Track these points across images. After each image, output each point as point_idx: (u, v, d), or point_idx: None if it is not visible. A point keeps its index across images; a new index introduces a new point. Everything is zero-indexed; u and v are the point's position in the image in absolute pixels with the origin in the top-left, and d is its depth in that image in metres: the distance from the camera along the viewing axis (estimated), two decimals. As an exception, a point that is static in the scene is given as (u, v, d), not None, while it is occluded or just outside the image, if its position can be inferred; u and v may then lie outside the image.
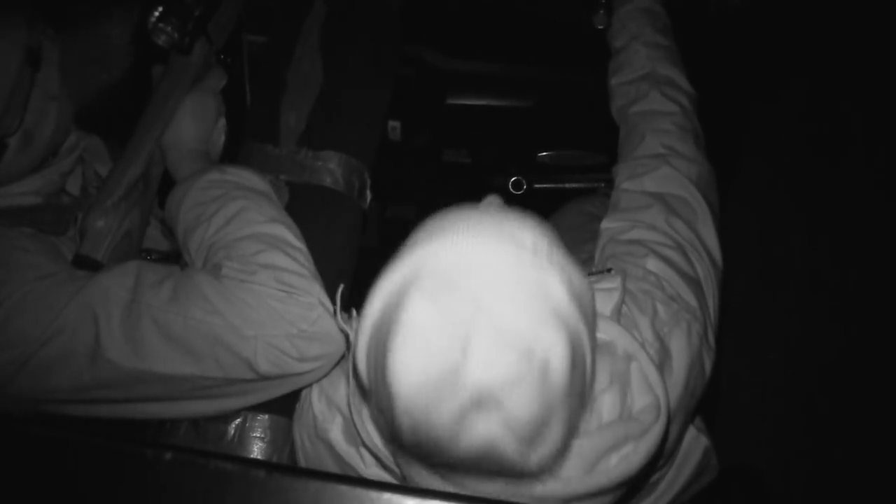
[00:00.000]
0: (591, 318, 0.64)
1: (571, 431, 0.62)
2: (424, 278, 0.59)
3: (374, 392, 0.63)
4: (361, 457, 0.85)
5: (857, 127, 2.28)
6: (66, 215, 0.98)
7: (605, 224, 1.03)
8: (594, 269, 0.95)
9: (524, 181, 1.58)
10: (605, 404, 0.72)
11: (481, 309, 0.56)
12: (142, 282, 0.84)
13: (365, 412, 0.79)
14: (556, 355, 0.57)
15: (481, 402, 0.56)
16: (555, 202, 1.52)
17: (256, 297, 0.83)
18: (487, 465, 0.58)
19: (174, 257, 1.07)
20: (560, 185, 1.61)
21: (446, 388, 0.56)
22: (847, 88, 2.25)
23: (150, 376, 0.82)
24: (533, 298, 0.59)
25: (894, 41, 2.21)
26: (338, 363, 0.89)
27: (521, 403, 0.56)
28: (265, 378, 0.84)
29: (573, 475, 0.67)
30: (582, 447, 0.68)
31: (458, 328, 0.56)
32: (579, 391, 0.61)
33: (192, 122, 1.04)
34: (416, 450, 0.62)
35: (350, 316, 0.86)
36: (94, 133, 1.07)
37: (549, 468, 0.61)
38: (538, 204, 1.06)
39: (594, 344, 0.64)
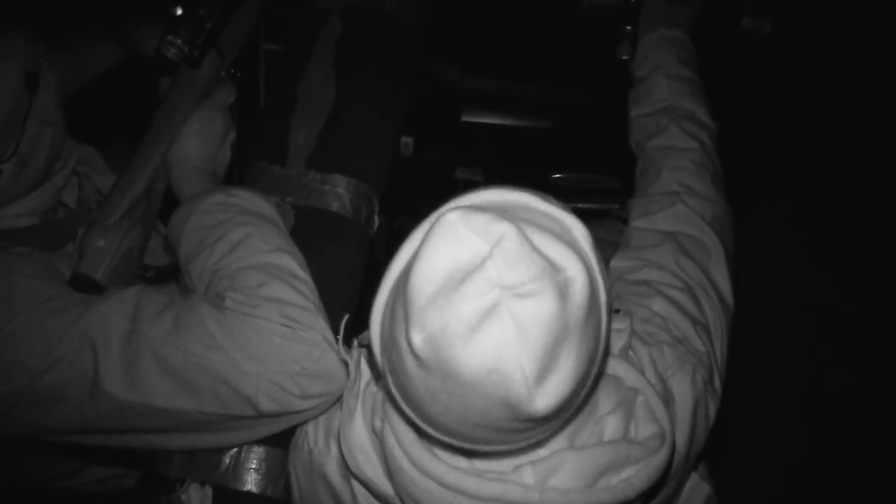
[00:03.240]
0: (609, 288, 0.64)
1: (580, 381, 0.60)
2: (458, 204, 0.61)
3: (390, 331, 0.62)
4: (352, 490, 0.84)
5: (884, 164, 2.24)
6: (64, 230, 0.96)
7: (615, 263, 1.01)
8: None
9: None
10: (609, 425, 0.72)
11: (514, 225, 0.56)
12: (141, 312, 0.82)
13: (359, 410, 0.78)
14: (578, 281, 0.57)
15: (499, 304, 0.55)
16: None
17: (259, 333, 0.81)
18: (492, 390, 0.56)
19: (173, 272, 1.06)
20: (573, 205, 1.59)
21: (468, 284, 0.55)
22: (873, 129, 2.21)
23: (149, 409, 0.80)
24: (561, 235, 0.60)
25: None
26: (337, 400, 0.87)
27: (538, 314, 0.55)
28: (265, 416, 0.83)
29: (572, 486, 0.67)
30: (583, 457, 0.68)
31: (490, 229, 0.56)
32: (594, 332, 0.60)
33: (199, 139, 1.02)
34: (422, 378, 0.60)
35: (351, 347, 0.85)
36: (88, 143, 1.05)
37: (550, 416, 0.59)
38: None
39: (609, 311, 0.64)
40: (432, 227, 0.58)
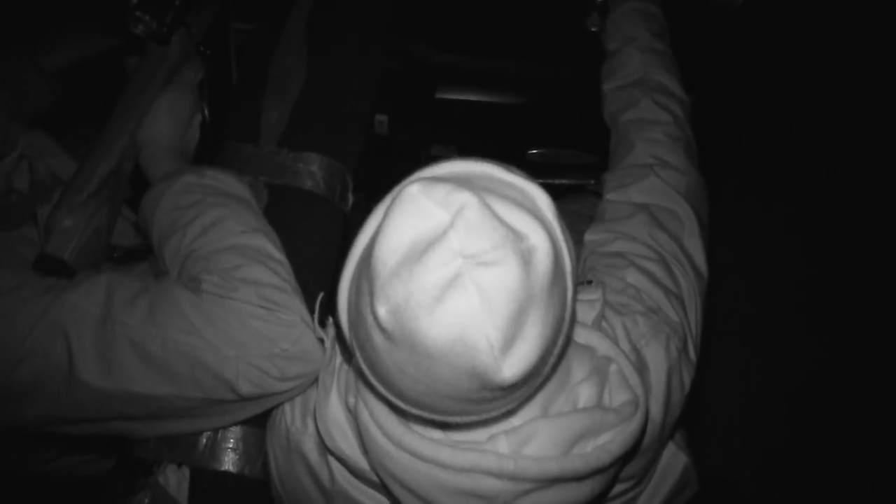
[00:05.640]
0: (573, 256, 0.64)
1: (547, 349, 0.60)
2: (419, 176, 0.61)
3: (356, 306, 0.62)
4: (329, 467, 0.84)
5: (855, 134, 2.25)
6: (19, 212, 0.95)
7: (588, 236, 1.01)
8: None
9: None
10: (583, 393, 0.73)
11: (476, 194, 0.56)
12: (114, 298, 0.80)
13: (335, 387, 0.79)
14: (541, 249, 0.57)
15: (462, 273, 0.55)
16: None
17: (237, 316, 0.80)
18: (458, 360, 0.56)
19: (142, 252, 1.05)
20: (549, 180, 1.59)
21: (430, 254, 0.55)
22: (845, 98, 2.22)
23: (128, 397, 0.79)
24: (524, 203, 0.60)
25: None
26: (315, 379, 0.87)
27: (502, 282, 0.55)
28: (245, 399, 0.82)
29: (547, 454, 0.67)
30: (557, 425, 0.68)
31: (452, 199, 0.56)
32: (559, 299, 0.60)
33: (168, 118, 1.00)
34: (389, 351, 0.60)
35: (326, 325, 0.85)
36: (36, 127, 1.03)
37: (518, 384, 0.59)
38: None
39: (574, 280, 0.64)
40: (394, 200, 0.58)
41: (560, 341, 0.64)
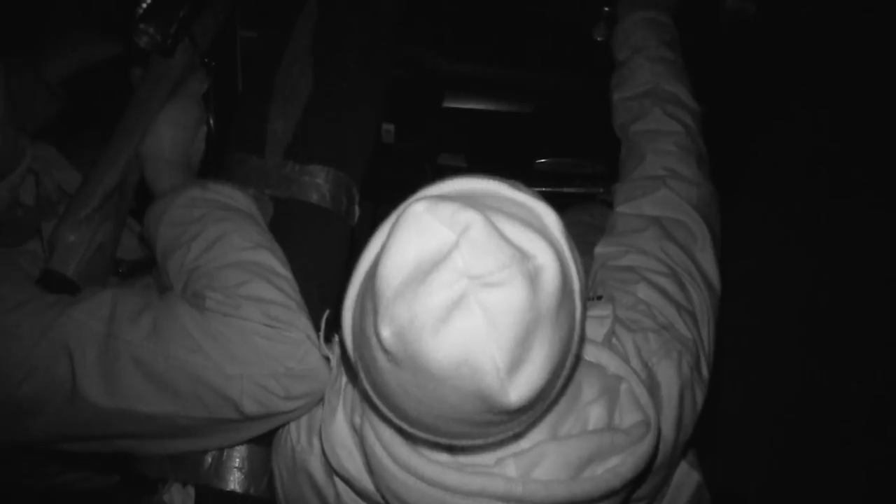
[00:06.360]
0: (582, 274, 0.62)
1: (555, 371, 0.59)
2: (425, 194, 0.60)
3: (360, 326, 0.61)
4: (336, 487, 0.83)
5: (870, 146, 2.23)
6: (24, 227, 0.94)
7: (599, 249, 1.00)
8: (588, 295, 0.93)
9: (521, 184, 1.55)
10: (593, 414, 0.71)
11: (481, 213, 0.55)
12: (118, 315, 0.79)
13: (340, 406, 0.77)
14: (548, 269, 0.55)
15: (467, 294, 0.53)
16: (552, 207, 1.48)
17: (242, 334, 0.79)
18: (464, 382, 0.55)
19: (147, 266, 1.03)
20: (558, 189, 1.57)
21: (435, 275, 0.54)
22: (860, 108, 2.20)
23: (131, 415, 0.78)
24: (531, 222, 0.59)
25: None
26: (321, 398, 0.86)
27: (508, 303, 0.54)
28: (250, 418, 0.81)
29: (555, 478, 0.66)
30: (566, 448, 0.67)
31: (457, 219, 0.55)
32: (567, 320, 0.59)
33: (173, 130, 0.99)
34: (393, 372, 0.59)
35: (332, 342, 0.84)
36: (42, 140, 1.02)
37: (525, 408, 0.58)
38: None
39: (584, 299, 0.63)
40: (399, 218, 0.57)
41: (568, 362, 0.62)
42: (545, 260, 0.56)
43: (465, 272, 0.54)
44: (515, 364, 0.55)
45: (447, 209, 0.56)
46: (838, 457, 1.98)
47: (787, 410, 2.05)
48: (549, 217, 0.61)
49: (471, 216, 0.55)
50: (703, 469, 0.93)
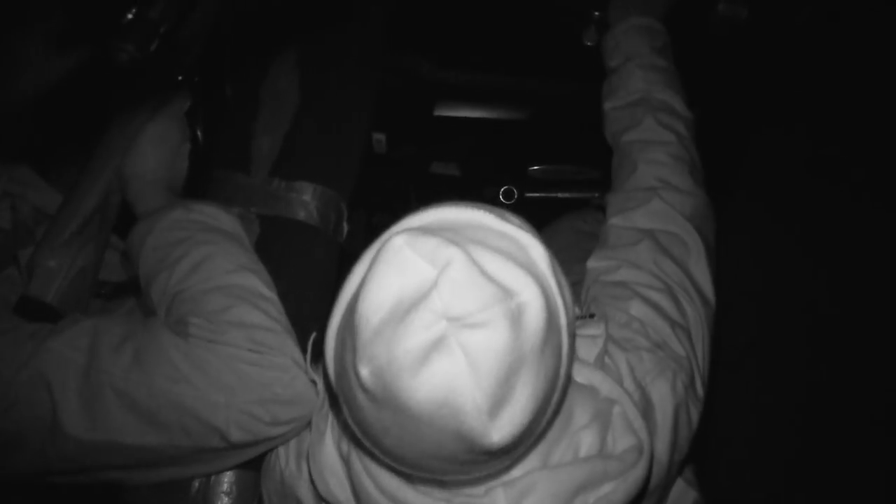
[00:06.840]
0: (570, 307, 0.61)
1: (539, 410, 0.57)
2: (407, 226, 0.59)
3: (341, 360, 0.59)
4: None
5: (865, 149, 2.20)
6: (1, 253, 0.92)
7: (591, 263, 0.98)
8: (579, 314, 0.91)
9: (515, 191, 1.54)
10: (585, 440, 0.70)
11: (463, 249, 0.54)
12: (98, 345, 0.77)
13: (328, 431, 0.76)
14: (532, 306, 0.54)
15: (447, 336, 0.52)
16: (546, 212, 1.48)
17: (227, 361, 0.77)
18: (444, 423, 0.54)
19: (131, 288, 1.02)
20: (552, 195, 1.56)
21: (414, 315, 0.52)
22: (856, 113, 2.17)
23: (115, 447, 0.76)
24: (516, 255, 0.57)
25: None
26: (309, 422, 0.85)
27: (489, 345, 0.52)
28: (236, 446, 0.79)
29: None
30: (557, 476, 0.65)
31: (438, 255, 0.53)
32: (552, 357, 0.57)
33: (155, 150, 0.96)
34: (372, 410, 0.57)
35: (319, 363, 0.82)
36: (21, 161, 0.99)
37: (508, 448, 0.56)
38: (529, 214, 1.01)
39: (572, 332, 0.61)
40: (378, 252, 0.56)
41: (555, 398, 0.61)
42: (529, 296, 0.54)
43: (444, 314, 0.52)
44: (498, 405, 0.54)
45: (428, 244, 0.54)
46: (843, 469, 1.96)
47: (795, 412, 2.03)
48: (536, 249, 0.60)
49: (452, 253, 0.53)
50: (706, 483, 0.92)
